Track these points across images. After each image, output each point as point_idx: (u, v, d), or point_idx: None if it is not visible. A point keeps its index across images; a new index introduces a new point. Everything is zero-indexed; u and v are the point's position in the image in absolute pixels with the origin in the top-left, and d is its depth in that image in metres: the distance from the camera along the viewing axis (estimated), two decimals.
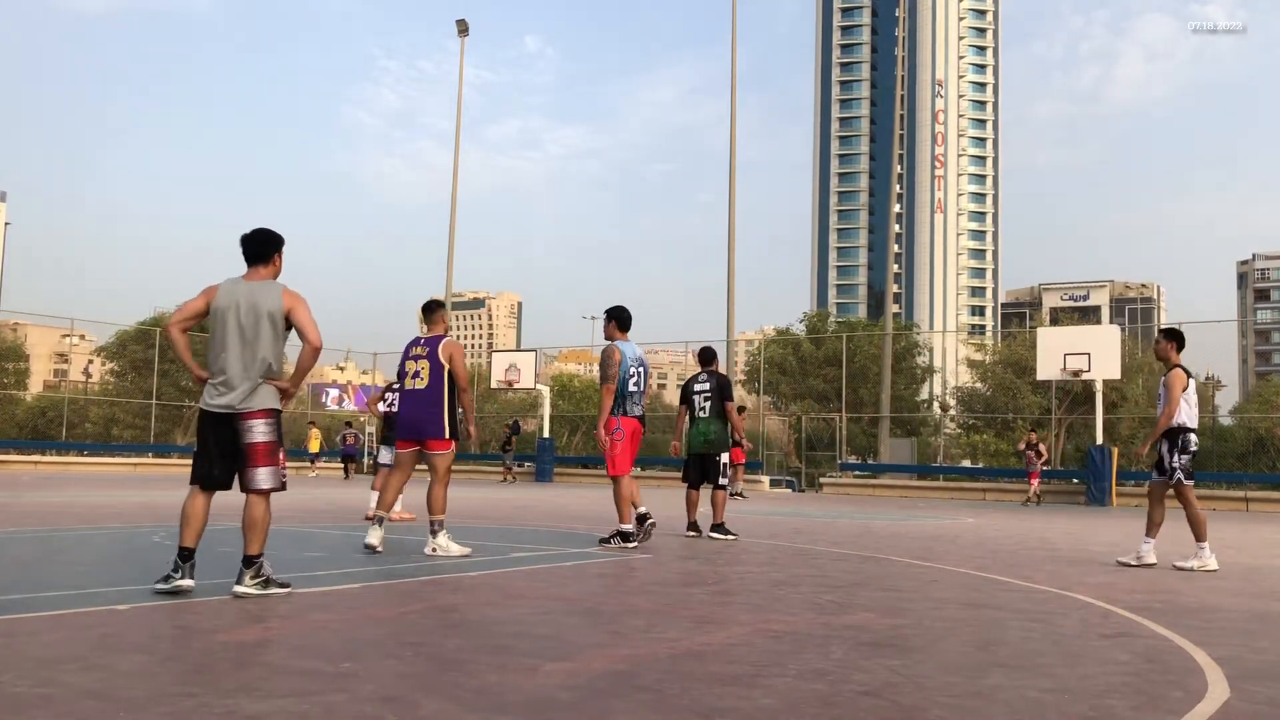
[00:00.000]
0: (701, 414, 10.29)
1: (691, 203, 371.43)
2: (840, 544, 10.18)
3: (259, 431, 5.41)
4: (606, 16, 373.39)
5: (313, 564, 7.16)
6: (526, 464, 33.13)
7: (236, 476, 5.51)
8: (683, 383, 10.67)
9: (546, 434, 33.43)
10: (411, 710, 3.16)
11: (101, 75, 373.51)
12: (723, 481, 10.19)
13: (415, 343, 8.14)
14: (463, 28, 40.12)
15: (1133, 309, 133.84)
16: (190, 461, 5.63)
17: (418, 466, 8.21)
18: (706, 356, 10.62)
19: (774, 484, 32.64)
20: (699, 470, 10.35)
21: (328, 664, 3.80)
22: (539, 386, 33.65)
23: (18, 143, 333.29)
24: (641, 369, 9.04)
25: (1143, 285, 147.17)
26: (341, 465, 33.83)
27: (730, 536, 10.18)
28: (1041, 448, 24.98)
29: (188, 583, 5.36)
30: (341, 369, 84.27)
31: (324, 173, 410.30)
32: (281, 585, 5.53)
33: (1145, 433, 44.89)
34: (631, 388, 8.93)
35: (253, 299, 5.47)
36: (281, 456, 5.53)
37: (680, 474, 10.73)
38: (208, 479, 5.48)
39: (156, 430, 42.22)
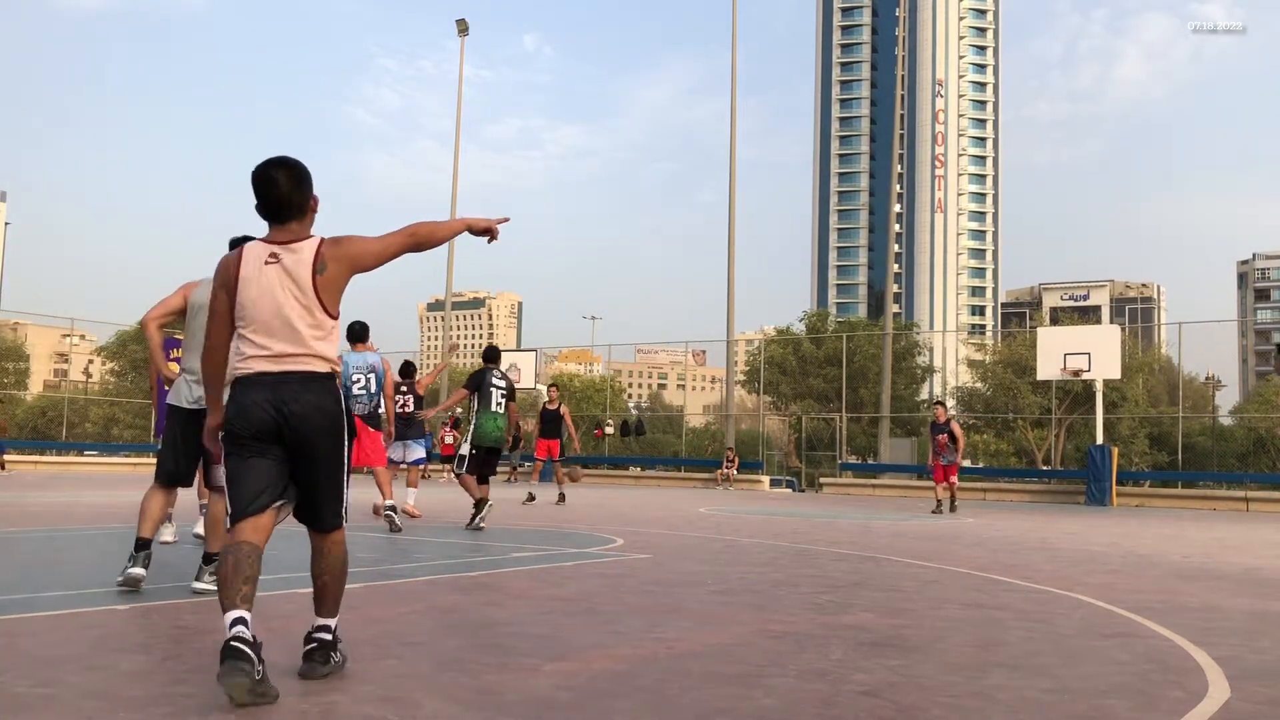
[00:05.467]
0: (498, 408, 10.76)
1: (691, 203, 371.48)
2: (840, 544, 10.18)
3: None
4: (605, 15, 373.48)
5: None
6: (527, 464, 33.11)
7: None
8: (473, 372, 11.25)
9: None
10: (411, 710, 3.16)
11: (100, 75, 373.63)
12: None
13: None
14: (462, 27, 40.12)
15: (1133, 309, 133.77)
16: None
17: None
18: (493, 354, 11.19)
19: (774, 484, 32.64)
20: (487, 463, 10.79)
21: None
22: (539, 386, 33.63)
23: (18, 143, 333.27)
24: (370, 375, 10.22)
25: (1143, 285, 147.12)
26: None
27: (481, 527, 10.50)
28: (956, 429, 17.89)
29: (139, 571, 5.38)
30: None
31: (324, 172, 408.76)
32: None
33: (1145, 432, 44.97)
34: (357, 391, 10.14)
35: None
36: None
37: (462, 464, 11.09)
38: (173, 475, 5.54)
39: (157, 430, 42.19)
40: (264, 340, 3.56)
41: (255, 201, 3.65)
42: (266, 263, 3.59)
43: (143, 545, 5.43)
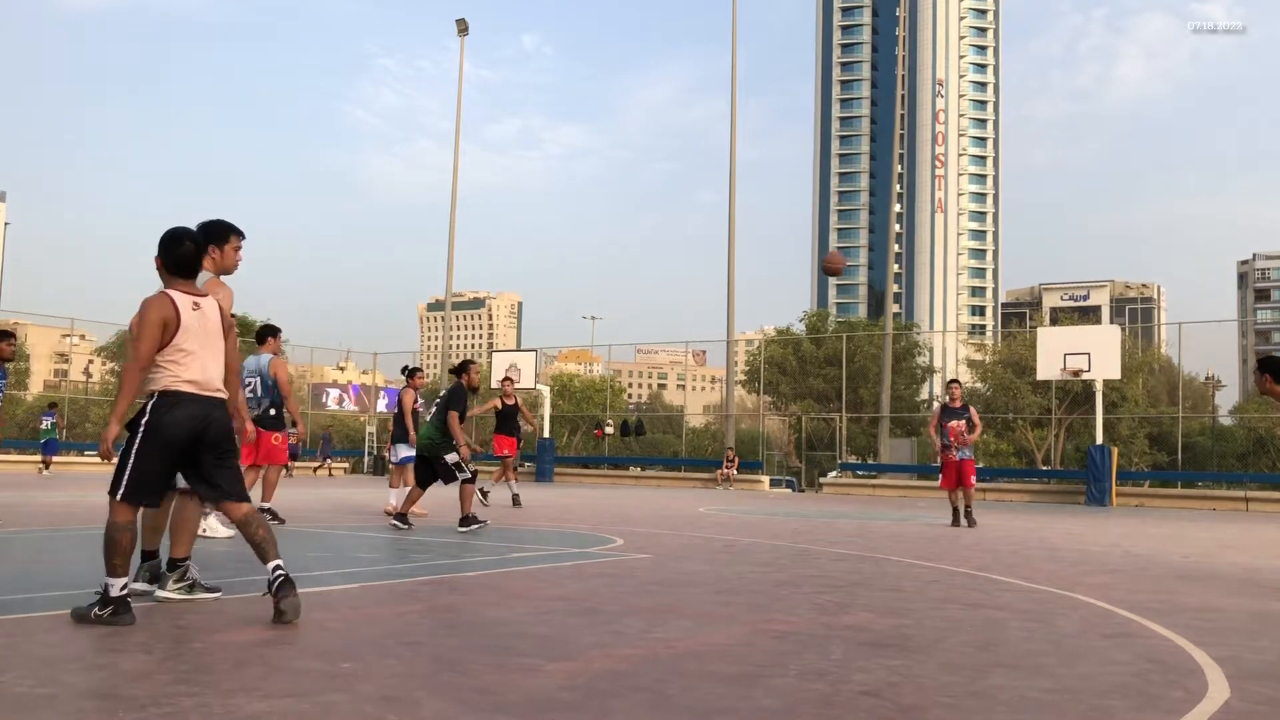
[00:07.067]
0: (428, 418, 11.16)
1: (691, 203, 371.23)
2: (840, 544, 10.18)
3: None
4: (605, 15, 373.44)
5: (313, 564, 7.15)
6: (527, 464, 33.11)
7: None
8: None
9: (547, 434, 33.41)
10: (411, 710, 3.16)
11: (100, 74, 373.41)
12: (467, 475, 10.70)
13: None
14: (462, 27, 40.12)
15: (1133, 309, 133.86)
16: None
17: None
18: (458, 369, 11.34)
19: (774, 484, 32.64)
20: (428, 471, 10.95)
21: (328, 664, 3.80)
22: (539, 386, 33.63)
23: (18, 143, 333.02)
24: (256, 378, 10.49)
25: (1143, 285, 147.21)
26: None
27: (477, 525, 10.52)
28: (975, 415, 14.03)
29: (139, 585, 5.31)
30: (342, 369, 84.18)
31: (323, 172, 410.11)
32: (209, 590, 5.33)
33: (1145, 432, 45.00)
34: (247, 394, 10.24)
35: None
36: None
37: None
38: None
39: None
40: (197, 367, 4.75)
41: (164, 258, 4.82)
42: (193, 309, 4.79)
43: (147, 557, 5.37)
